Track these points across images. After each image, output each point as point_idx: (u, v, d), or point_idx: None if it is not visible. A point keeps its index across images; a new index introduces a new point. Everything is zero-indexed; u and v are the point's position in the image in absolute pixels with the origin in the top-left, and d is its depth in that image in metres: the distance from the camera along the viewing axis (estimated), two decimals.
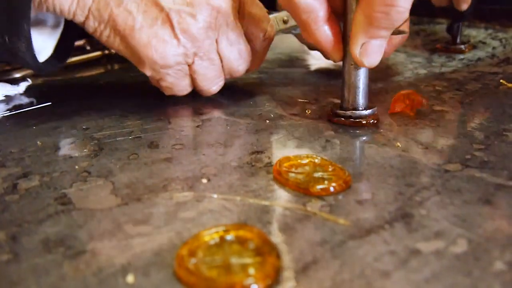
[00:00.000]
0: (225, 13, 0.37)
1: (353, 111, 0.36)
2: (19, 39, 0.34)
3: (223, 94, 0.46)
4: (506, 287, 0.19)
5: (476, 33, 0.69)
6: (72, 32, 0.41)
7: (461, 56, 0.59)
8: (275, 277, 0.20)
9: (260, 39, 0.41)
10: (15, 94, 0.48)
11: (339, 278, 0.19)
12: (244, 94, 0.46)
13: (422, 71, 0.52)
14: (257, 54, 0.42)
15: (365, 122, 0.36)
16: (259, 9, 0.40)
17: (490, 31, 0.70)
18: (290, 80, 0.51)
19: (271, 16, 0.44)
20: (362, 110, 0.36)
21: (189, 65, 0.38)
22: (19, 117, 0.41)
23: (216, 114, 0.40)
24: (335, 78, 0.51)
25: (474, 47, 0.63)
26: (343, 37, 0.34)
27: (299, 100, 0.43)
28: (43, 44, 0.39)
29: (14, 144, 0.35)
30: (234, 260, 0.20)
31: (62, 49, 0.41)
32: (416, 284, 0.19)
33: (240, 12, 0.39)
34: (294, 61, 0.60)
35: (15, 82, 0.51)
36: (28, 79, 0.51)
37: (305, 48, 0.67)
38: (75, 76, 0.54)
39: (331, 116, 0.37)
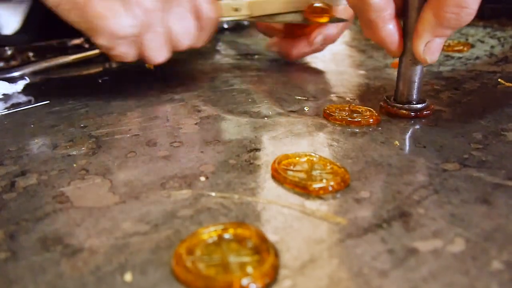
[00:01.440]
0: None
1: (409, 105, 0.37)
2: None
3: (222, 91, 0.46)
4: (503, 287, 0.19)
5: (474, 32, 0.69)
6: (41, 9, 0.42)
7: (459, 55, 0.59)
8: (273, 275, 0.20)
9: (204, 18, 0.42)
10: (13, 93, 0.48)
11: (337, 277, 0.20)
12: (243, 91, 0.46)
13: None
14: (203, 31, 0.44)
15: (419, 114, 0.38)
16: None
17: (488, 29, 0.70)
18: (288, 78, 0.51)
19: (223, 1, 0.46)
20: (416, 104, 0.37)
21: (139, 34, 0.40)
22: (17, 116, 0.41)
23: (214, 111, 0.40)
24: (333, 76, 0.51)
25: (472, 46, 0.63)
26: (404, 34, 0.36)
27: (298, 97, 0.43)
28: (9, 18, 0.40)
29: (12, 143, 0.35)
30: (232, 259, 0.20)
31: (31, 24, 0.42)
32: (414, 283, 0.19)
33: None
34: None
35: (13, 80, 0.51)
36: (26, 78, 0.51)
37: None
38: (73, 74, 0.54)
39: (385, 108, 0.38)
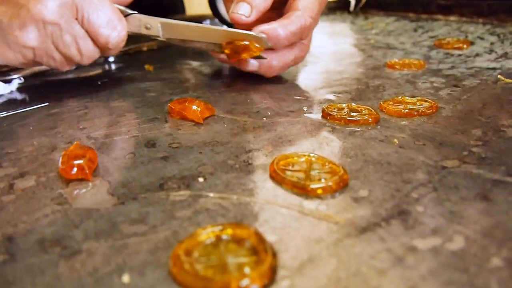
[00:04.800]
0: (53, 22, 0.39)
1: None
2: None
3: (220, 92, 0.46)
4: (502, 284, 0.19)
5: (474, 29, 0.69)
6: None
7: (459, 52, 0.58)
8: (271, 276, 0.19)
9: (102, 42, 0.42)
10: (12, 93, 0.48)
11: (335, 276, 0.19)
12: (241, 91, 0.46)
13: (420, 68, 0.52)
14: (104, 50, 0.44)
15: None
16: (102, 13, 0.41)
17: (488, 26, 0.70)
18: (287, 78, 0.51)
19: (134, 16, 0.45)
20: None
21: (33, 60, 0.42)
22: (16, 118, 0.41)
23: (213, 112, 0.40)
24: (332, 75, 0.51)
25: (471, 43, 0.62)
26: None
27: (296, 97, 0.43)
28: None
29: (10, 145, 0.35)
30: (230, 260, 0.20)
31: None
32: (413, 281, 0.19)
33: (79, 18, 0.41)
34: None
35: (7, 80, 0.51)
36: (21, 77, 0.51)
37: None
38: (73, 76, 0.54)
39: None
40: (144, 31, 0.46)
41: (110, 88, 0.49)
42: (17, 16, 0.39)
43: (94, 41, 0.43)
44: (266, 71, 0.47)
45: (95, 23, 0.41)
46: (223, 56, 0.46)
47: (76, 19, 0.41)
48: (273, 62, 0.46)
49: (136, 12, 0.45)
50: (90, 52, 0.43)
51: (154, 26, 0.46)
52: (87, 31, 0.42)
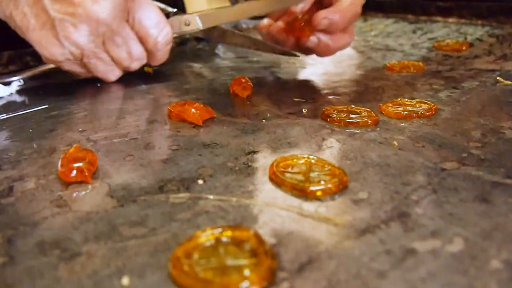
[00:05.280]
0: (106, 23, 0.41)
1: None
2: None
3: (221, 94, 0.46)
4: (502, 286, 0.19)
5: (473, 30, 0.69)
6: None
7: (458, 54, 0.58)
8: (271, 278, 0.19)
9: (151, 43, 0.45)
10: (12, 95, 0.48)
11: (335, 279, 0.19)
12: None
13: (419, 70, 0.52)
14: (152, 54, 0.47)
15: None
16: (152, 15, 0.44)
17: (487, 28, 0.70)
18: (286, 80, 0.51)
19: (173, 17, 0.48)
20: None
21: (81, 60, 0.44)
22: (16, 120, 0.41)
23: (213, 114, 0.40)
24: (332, 77, 0.51)
25: (471, 44, 0.62)
26: None
27: (296, 99, 0.43)
28: None
29: (10, 147, 0.35)
30: (230, 262, 0.20)
31: None
32: (412, 283, 0.19)
33: (129, 20, 0.43)
34: (290, 61, 0.60)
35: (7, 83, 0.51)
36: (21, 80, 0.52)
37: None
38: (72, 78, 0.54)
39: None
40: (184, 28, 0.49)
41: (110, 90, 0.49)
42: (71, 14, 0.40)
43: (143, 43, 0.45)
44: (323, 50, 0.50)
45: (146, 24, 0.43)
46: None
47: (127, 21, 0.42)
48: (331, 43, 0.49)
49: (176, 9, 0.49)
50: (139, 55, 0.45)
51: (193, 20, 0.48)
52: (136, 33, 0.43)
